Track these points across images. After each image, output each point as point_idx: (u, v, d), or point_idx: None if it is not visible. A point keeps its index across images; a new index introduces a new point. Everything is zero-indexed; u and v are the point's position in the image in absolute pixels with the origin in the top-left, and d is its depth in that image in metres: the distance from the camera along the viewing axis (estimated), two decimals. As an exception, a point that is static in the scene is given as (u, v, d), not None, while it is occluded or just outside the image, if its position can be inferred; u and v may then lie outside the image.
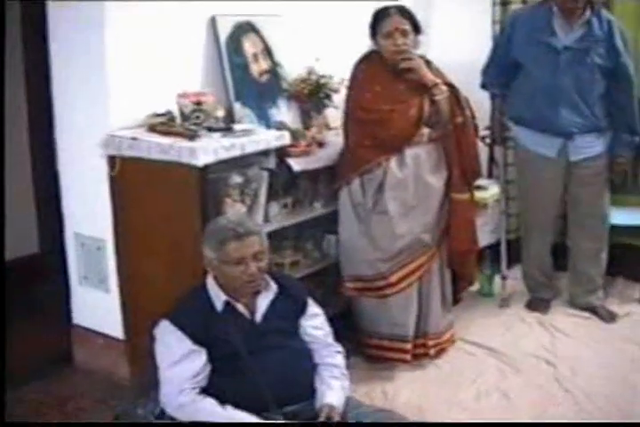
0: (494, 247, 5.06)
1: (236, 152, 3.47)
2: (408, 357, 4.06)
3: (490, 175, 5.31)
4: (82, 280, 4.03)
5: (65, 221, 4.06)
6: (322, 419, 3.05)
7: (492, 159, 5.12)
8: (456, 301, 4.36)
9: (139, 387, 3.73)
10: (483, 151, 4.99)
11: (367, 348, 4.13)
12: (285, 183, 3.99)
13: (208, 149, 3.36)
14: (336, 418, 3.06)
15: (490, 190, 5.08)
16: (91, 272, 3.97)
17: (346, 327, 4.02)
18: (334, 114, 4.37)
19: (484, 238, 5.05)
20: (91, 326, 4.08)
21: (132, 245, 3.73)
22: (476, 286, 4.95)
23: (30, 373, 4.06)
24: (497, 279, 5.02)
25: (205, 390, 3.09)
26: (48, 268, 4.28)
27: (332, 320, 3.58)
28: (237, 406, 3.04)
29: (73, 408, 3.77)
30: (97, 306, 4.01)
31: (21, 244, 5.04)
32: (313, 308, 3.35)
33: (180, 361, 3.06)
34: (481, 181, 5.02)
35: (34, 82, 3.99)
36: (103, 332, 4.02)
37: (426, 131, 3.86)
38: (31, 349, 4.27)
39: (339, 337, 3.47)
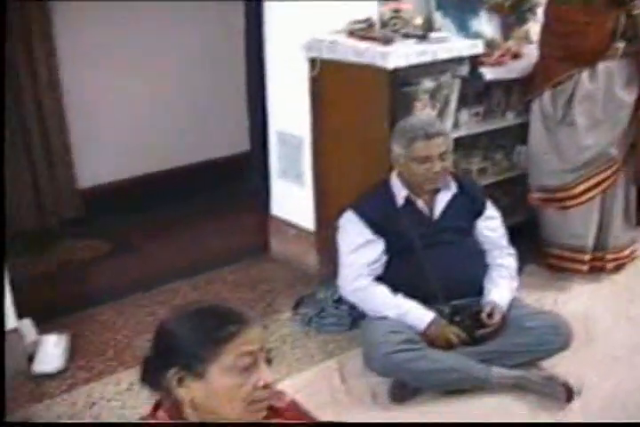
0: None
1: (428, 58, 3.63)
2: (585, 268, 4.12)
3: None
4: (281, 175, 4.33)
5: (269, 121, 4.34)
6: (484, 314, 3.25)
7: None
8: (641, 219, 4.36)
9: (323, 275, 4.04)
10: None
11: (546, 257, 4.22)
12: (478, 92, 4.08)
13: (400, 54, 3.54)
14: (498, 315, 3.25)
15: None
16: (289, 167, 4.25)
17: (528, 236, 4.17)
18: (536, 28, 4.38)
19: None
20: (286, 218, 4.39)
21: (326, 142, 3.98)
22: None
23: (232, 257, 4.48)
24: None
25: (380, 279, 3.35)
26: (253, 164, 4.62)
27: (516, 229, 3.72)
28: (408, 295, 3.29)
29: (263, 290, 4.13)
30: (293, 199, 4.32)
31: (235, 143, 5.43)
32: (490, 210, 3.50)
33: (358, 248, 3.33)
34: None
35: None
36: (296, 223, 4.33)
37: (620, 45, 3.82)
38: (234, 236, 4.74)
39: (520, 245, 3.62)
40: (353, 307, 3.54)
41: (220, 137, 5.51)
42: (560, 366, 3.31)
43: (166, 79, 5.25)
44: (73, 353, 3.61)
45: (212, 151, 5.50)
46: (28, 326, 3.58)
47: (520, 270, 3.64)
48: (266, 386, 1.73)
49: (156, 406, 1.81)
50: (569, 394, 3.10)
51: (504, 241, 3.52)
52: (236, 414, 1.74)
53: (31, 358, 3.49)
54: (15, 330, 3.45)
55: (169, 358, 1.73)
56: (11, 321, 3.42)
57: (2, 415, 2.44)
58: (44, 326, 3.64)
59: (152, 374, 1.78)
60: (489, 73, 3.96)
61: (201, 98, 5.41)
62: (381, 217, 3.32)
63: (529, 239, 4.18)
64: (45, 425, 2.75)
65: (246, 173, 4.80)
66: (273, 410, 1.87)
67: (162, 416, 1.77)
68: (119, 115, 5.11)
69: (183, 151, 5.40)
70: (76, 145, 4.92)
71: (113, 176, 5.15)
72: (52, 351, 3.52)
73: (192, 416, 1.75)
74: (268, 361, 1.77)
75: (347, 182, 3.86)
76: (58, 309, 3.94)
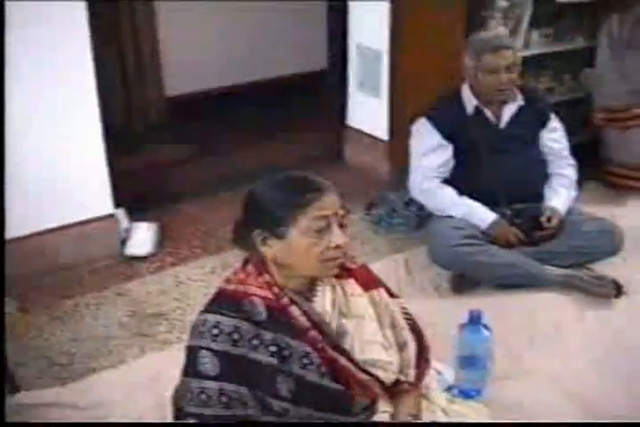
0: None
1: (503, -24, 3.82)
2: (642, 185, 4.28)
3: None
4: (358, 87, 4.56)
5: (349, 35, 4.55)
6: (543, 218, 3.47)
7: None
8: None
9: (394, 181, 4.27)
10: None
11: (606, 175, 4.40)
12: (550, 14, 4.25)
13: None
14: (556, 219, 3.47)
15: None
16: (367, 79, 4.48)
17: (589, 155, 4.30)
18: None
19: None
20: (360, 128, 4.65)
21: (404, 55, 4.20)
22: None
23: (307, 163, 4.48)
24: None
25: (447, 182, 3.58)
26: (331, 76, 4.84)
27: (578, 147, 3.89)
28: (472, 198, 3.52)
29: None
30: (368, 110, 4.55)
31: (314, 59, 5.67)
32: (554, 122, 3.68)
33: (428, 152, 3.56)
34: None
35: None
36: (370, 133, 4.58)
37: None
38: (310, 144, 4.95)
39: (581, 163, 3.78)
40: (421, 208, 3.79)
41: (299, 53, 5.72)
42: (610, 270, 3.47)
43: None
44: (161, 241, 3.93)
45: (291, 66, 5.72)
46: (121, 214, 3.88)
47: (579, 186, 3.80)
48: (337, 246, 1.98)
49: (245, 262, 2.10)
50: (618, 291, 3.32)
51: (566, 152, 3.70)
52: (311, 270, 2.03)
53: (124, 244, 3.82)
54: (111, 215, 3.78)
55: (255, 220, 2.00)
56: (107, 208, 3.76)
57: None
58: (135, 217, 3.94)
59: (241, 235, 2.07)
60: (561, -7, 4.11)
61: (283, 13, 5.60)
62: (452, 124, 3.52)
63: (590, 158, 4.33)
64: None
65: (324, 87, 5.01)
66: (346, 270, 2.15)
67: (250, 269, 2.06)
68: (206, 28, 5.35)
69: (264, 65, 5.62)
70: (165, 56, 5.18)
71: (197, 86, 5.40)
72: (143, 237, 3.85)
73: (275, 272, 2.04)
74: (342, 226, 2.00)
75: (421, 94, 4.01)
76: (147, 202, 4.21)
